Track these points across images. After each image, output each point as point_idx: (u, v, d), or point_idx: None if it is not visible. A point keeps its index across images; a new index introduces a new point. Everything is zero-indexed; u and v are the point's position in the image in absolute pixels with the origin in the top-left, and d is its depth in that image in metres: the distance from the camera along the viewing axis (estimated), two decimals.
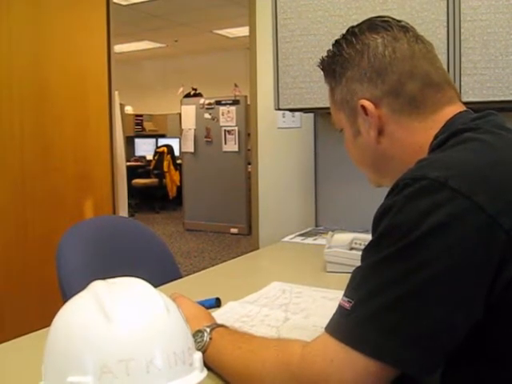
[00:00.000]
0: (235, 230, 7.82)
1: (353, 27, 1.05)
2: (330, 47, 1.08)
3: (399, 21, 1.03)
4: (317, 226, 2.80)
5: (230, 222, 7.84)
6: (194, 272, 2.08)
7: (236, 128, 7.89)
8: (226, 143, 7.94)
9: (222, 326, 1.05)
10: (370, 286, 0.78)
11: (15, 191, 2.77)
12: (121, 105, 4.81)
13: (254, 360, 0.90)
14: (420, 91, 0.97)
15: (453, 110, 0.97)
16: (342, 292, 0.83)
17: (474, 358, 0.81)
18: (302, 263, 2.02)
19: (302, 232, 2.59)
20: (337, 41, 1.06)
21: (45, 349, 0.76)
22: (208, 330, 1.02)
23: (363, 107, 0.99)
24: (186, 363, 0.76)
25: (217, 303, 1.44)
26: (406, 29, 1.02)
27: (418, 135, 0.97)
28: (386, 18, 1.03)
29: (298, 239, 2.43)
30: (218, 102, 8.04)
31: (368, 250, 0.82)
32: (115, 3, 3.49)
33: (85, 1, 3.16)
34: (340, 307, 0.82)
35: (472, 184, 0.77)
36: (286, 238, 2.45)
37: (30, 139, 2.83)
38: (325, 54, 1.09)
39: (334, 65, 1.05)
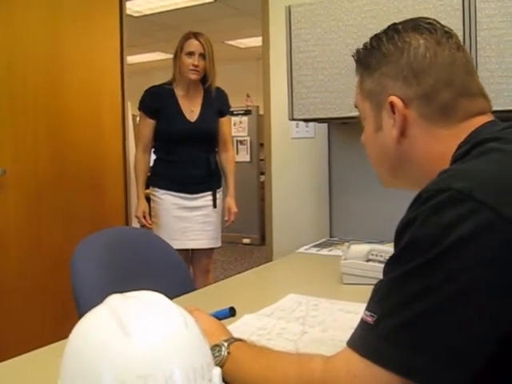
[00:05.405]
0: (247, 241, 7.80)
1: (396, 24, 1.02)
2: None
3: (444, 26, 1.01)
4: (331, 236, 2.78)
5: (242, 232, 7.81)
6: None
7: (248, 138, 7.89)
8: (237, 153, 7.93)
9: (239, 340, 1.03)
10: (394, 300, 0.76)
11: (29, 202, 2.77)
12: (133, 115, 4.75)
13: (274, 376, 0.88)
14: (453, 100, 0.94)
15: (481, 120, 0.95)
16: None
17: (501, 378, 0.78)
18: (317, 275, 2.00)
19: (317, 243, 2.57)
20: (376, 35, 1.03)
21: (61, 365, 0.74)
22: (225, 344, 0.99)
23: (392, 104, 0.97)
24: (205, 379, 0.74)
25: (231, 312, 1.38)
26: (449, 35, 0.99)
27: (442, 143, 0.94)
28: (431, 21, 1.00)
29: (313, 250, 2.41)
30: (230, 113, 8.03)
31: (391, 264, 0.80)
32: (127, 15, 3.50)
33: (98, 12, 3.18)
34: (362, 321, 0.80)
35: (497, 195, 0.74)
36: (301, 249, 2.43)
37: (43, 151, 2.84)
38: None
39: (370, 57, 1.03)
